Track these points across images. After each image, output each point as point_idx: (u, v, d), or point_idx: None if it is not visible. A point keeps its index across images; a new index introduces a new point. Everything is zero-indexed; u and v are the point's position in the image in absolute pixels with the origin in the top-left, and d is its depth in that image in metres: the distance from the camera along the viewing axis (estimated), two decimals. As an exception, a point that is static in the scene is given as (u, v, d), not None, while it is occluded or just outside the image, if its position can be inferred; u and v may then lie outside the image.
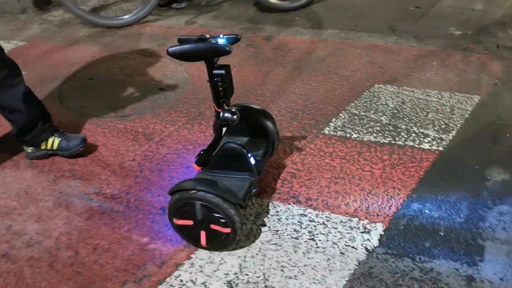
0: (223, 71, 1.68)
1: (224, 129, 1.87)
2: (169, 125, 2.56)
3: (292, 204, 1.98)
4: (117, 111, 2.73)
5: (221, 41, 1.64)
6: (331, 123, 2.50)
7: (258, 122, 2.02)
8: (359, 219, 1.88)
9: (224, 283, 1.64)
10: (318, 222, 1.88)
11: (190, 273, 1.69)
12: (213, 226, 1.67)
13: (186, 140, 2.43)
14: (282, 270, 1.68)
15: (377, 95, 2.74)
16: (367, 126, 2.46)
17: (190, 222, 1.71)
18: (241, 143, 1.87)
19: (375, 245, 1.76)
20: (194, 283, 1.65)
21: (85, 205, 2.03)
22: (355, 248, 1.75)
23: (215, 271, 1.69)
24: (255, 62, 3.23)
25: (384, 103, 2.66)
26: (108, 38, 3.77)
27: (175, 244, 1.81)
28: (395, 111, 2.57)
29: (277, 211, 1.94)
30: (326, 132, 2.43)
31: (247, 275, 1.67)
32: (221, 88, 1.71)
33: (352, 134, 2.40)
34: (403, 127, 2.43)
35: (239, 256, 1.75)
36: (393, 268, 1.66)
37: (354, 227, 1.84)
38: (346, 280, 1.62)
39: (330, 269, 1.67)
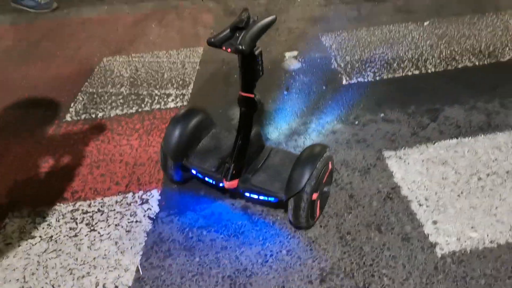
0: (260, 48, 1.47)
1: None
2: None
3: (58, 204, 1.81)
4: None
5: None
6: (71, 109, 2.34)
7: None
8: (134, 193, 1.85)
9: (10, 316, 1.43)
10: (93, 211, 1.78)
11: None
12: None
13: None
14: (72, 273, 1.55)
15: (110, 68, 2.67)
16: (110, 101, 2.39)
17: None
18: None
19: (157, 211, 1.77)
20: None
21: None
22: (140, 222, 1.73)
23: (-7, 308, 1.45)
24: (-44, 64, 2.73)
25: (119, 74, 2.61)
26: None
27: None
28: (132, 79, 2.56)
29: (44, 217, 1.76)
30: (69, 119, 2.27)
31: (34, 295, 1.49)
32: (260, 67, 1.49)
33: (98, 113, 2.30)
34: (145, 93, 2.45)
35: (17, 280, 1.53)
36: (180, 225, 1.71)
37: (132, 202, 1.81)
38: (141, 255, 1.60)
39: (122, 250, 1.62)
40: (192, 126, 1.74)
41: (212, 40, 1.37)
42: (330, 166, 1.66)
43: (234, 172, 1.63)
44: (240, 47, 1.32)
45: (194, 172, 1.75)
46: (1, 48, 2.89)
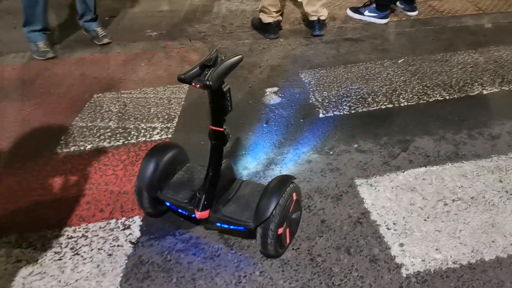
0: (229, 85, 1.59)
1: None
2: None
3: (44, 230, 1.91)
4: None
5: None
6: (61, 141, 2.45)
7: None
8: (117, 219, 1.95)
9: (-6, 335, 1.50)
10: (77, 236, 1.87)
11: None
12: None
13: None
14: (54, 295, 1.63)
15: (99, 104, 2.81)
16: (98, 134, 2.51)
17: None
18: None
19: (138, 236, 1.86)
20: None
21: None
22: (121, 246, 1.82)
23: (-22, 327, 1.53)
24: (-47, 100, 2.87)
25: (107, 109, 2.75)
26: None
27: None
28: (120, 114, 2.70)
29: (30, 242, 1.85)
30: (59, 151, 2.38)
31: (18, 315, 1.56)
32: (229, 103, 1.60)
33: (86, 146, 2.42)
34: (132, 126, 2.58)
35: (2, 302, 1.61)
36: (159, 249, 1.80)
37: (114, 228, 1.91)
38: (121, 276, 1.69)
39: (103, 273, 1.70)
40: (166, 160, 1.84)
41: (182, 76, 1.49)
42: (295, 197, 1.75)
43: (205, 202, 1.72)
44: (208, 83, 1.45)
45: (168, 204, 1.84)
46: (-3, 86, 3.03)
